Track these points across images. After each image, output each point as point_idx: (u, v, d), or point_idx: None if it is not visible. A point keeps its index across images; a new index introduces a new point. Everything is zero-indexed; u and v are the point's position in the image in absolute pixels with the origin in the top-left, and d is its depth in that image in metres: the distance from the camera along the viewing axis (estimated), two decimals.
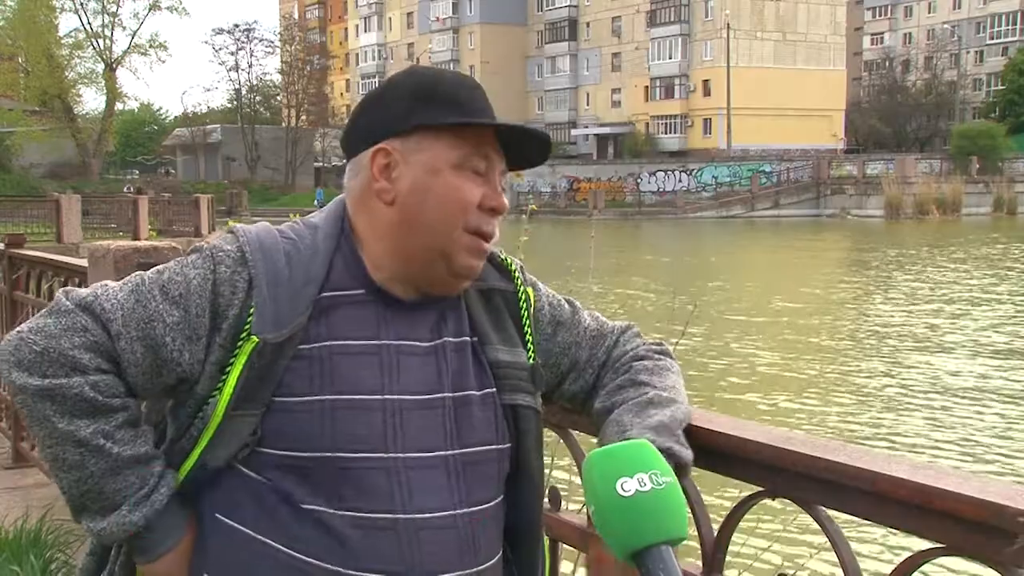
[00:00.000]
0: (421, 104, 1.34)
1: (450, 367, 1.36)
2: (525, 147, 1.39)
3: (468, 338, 1.40)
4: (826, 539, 1.23)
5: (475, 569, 1.32)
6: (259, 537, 1.27)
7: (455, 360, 1.37)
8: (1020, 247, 31.24)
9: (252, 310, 1.28)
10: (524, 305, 1.47)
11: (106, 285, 1.31)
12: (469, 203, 1.34)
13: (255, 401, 1.27)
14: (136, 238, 22.36)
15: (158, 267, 1.34)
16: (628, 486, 1.07)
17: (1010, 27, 75.12)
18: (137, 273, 1.33)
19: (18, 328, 1.28)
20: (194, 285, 1.29)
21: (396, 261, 1.35)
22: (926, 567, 1.14)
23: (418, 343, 1.35)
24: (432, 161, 1.33)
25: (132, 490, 1.28)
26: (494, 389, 1.38)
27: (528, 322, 1.46)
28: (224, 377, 1.28)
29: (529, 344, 1.45)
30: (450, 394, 1.35)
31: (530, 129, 1.39)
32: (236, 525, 1.29)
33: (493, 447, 1.36)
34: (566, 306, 1.53)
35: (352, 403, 1.29)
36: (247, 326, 1.28)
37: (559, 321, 1.51)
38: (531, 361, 1.44)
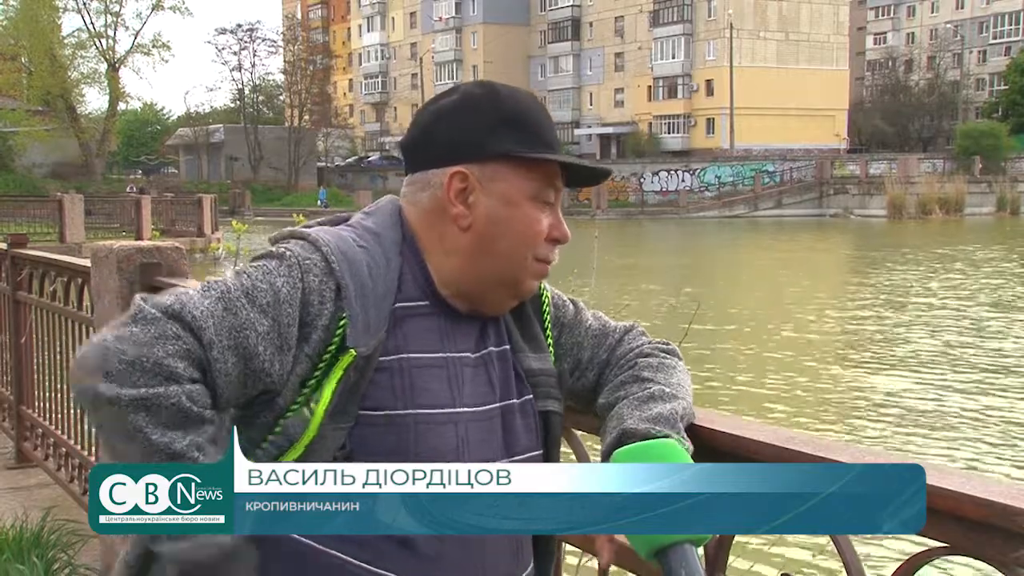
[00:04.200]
0: (509, 132, 1.33)
1: (496, 377, 1.39)
2: (585, 176, 1.42)
3: (507, 347, 1.42)
4: (828, 538, 1.22)
5: (524, 573, 1.36)
6: (329, 550, 1.25)
7: (499, 370, 1.39)
8: None
9: (342, 321, 1.26)
10: (547, 310, 1.49)
11: (187, 292, 1.24)
12: (541, 234, 1.36)
13: (347, 415, 1.26)
14: (139, 238, 22.39)
15: (236, 271, 1.29)
16: None
17: (1013, 27, 75.01)
18: (216, 280, 1.27)
19: (98, 338, 1.19)
20: (283, 294, 1.25)
21: (463, 282, 1.36)
22: (928, 566, 1.14)
23: (468, 354, 1.37)
24: (511, 192, 1.34)
25: None
26: (531, 396, 1.41)
27: (549, 326, 1.49)
28: (306, 390, 1.26)
29: (551, 349, 1.47)
30: (498, 404, 1.37)
31: (599, 169, 1.44)
32: (306, 540, 1.26)
33: (532, 454, 1.39)
34: (570, 307, 1.54)
35: (432, 417, 1.30)
36: (336, 338, 1.26)
37: (563, 323, 1.52)
38: (555, 366, 1.46)
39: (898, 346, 14.50)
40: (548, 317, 1.49)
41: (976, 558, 1.07)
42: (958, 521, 1.05)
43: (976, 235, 38.03)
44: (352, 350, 1.26)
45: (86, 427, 3.84)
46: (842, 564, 1.20)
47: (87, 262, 3.56)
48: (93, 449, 3.73)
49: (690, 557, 1.07)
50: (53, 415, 4.31)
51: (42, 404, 4.50)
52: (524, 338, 1.44)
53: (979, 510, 1.04)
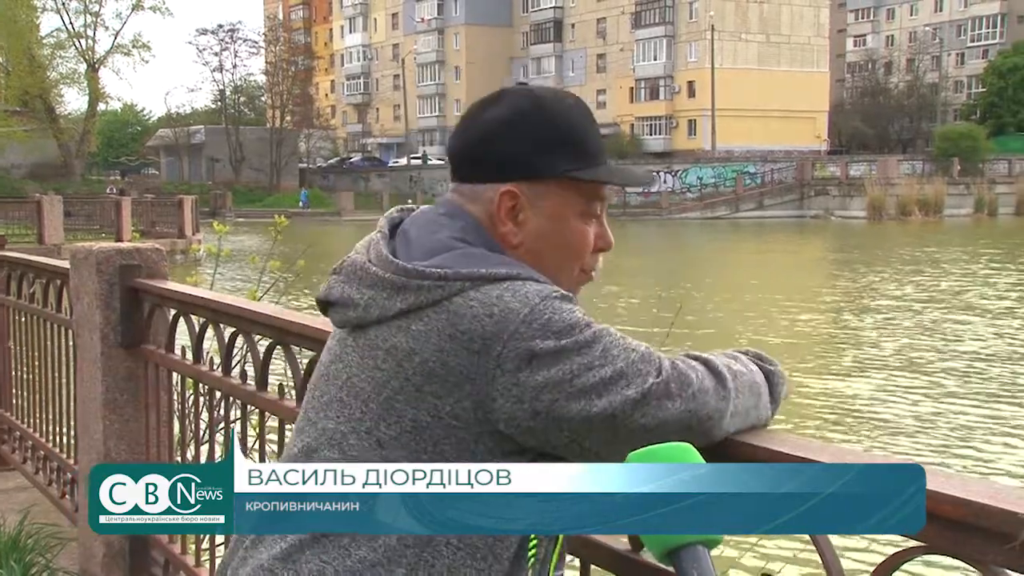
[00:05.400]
0: (559, 151, 1.34)
1: None
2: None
3: None
4: (808, 538, 1.23)
5: None
6: None
7: None
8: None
9: None
10: None
11: (628, 360, 1.23)
12: (588, 247, 1.38)
13: None
14: (119, 239, 22.26)
15: (588, 338, 1.22)
16: None
17: (991, 30, 75.73)
18: (605, 339, 1.24)
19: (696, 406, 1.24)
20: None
21: None
22: (907, 566, 1.14)
23: None
24: (559, 209, 1.35)
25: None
26: None
27: None
28: None
29: None
30: None
31: (645, 181, 1.55)
32: None
33: None
34: None
35: None
36: None
37: None
38: None
39: (868, 348, 14.60)
40: None
41: (954, 557, 1.07)
42: (936, 520, 1.06)
43: (953, 236, 38.34)
44: None
45: (67, 430, 3.81)
46: (822, 563, 1.21)
47: (66, 264, 3.53)
48: (72, 452, 3.70)
49: (703, 559, 1.07)
50: (31, 418, 4.27)
51: (20, 407, 4.45)
52: None
53: (957, 509, 1.04)
